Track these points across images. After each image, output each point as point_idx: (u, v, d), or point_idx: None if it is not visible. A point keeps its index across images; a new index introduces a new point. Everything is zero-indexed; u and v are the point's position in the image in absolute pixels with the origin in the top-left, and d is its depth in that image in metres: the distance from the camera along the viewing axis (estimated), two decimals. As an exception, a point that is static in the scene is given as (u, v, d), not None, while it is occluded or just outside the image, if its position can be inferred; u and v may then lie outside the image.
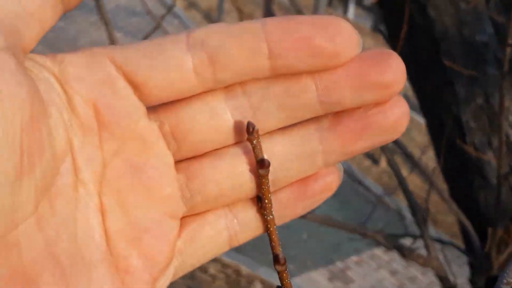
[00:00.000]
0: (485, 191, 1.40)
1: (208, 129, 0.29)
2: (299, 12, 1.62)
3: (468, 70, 1.30)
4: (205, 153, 0.29)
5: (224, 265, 3.57)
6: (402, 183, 1.45)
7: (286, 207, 0.30)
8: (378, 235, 1.38)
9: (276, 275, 0.31)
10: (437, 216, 3.95)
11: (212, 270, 3.52)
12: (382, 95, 0.27)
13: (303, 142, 0.29)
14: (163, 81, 0.27)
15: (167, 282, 0.29)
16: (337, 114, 0.29)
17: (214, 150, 0.29)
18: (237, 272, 3.57)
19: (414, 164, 1.49)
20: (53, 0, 0.26)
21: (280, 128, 0.29)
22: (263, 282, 3.53)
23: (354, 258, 3.94)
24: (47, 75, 0.26)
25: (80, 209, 0.27)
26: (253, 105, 0.28)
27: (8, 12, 0.25)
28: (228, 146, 0.29)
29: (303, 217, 1.11)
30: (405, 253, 1.37)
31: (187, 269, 0.30)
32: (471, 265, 1.44)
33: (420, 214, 1.43)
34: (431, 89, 1.44)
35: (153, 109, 0.28)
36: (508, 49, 1.09)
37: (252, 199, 0.30)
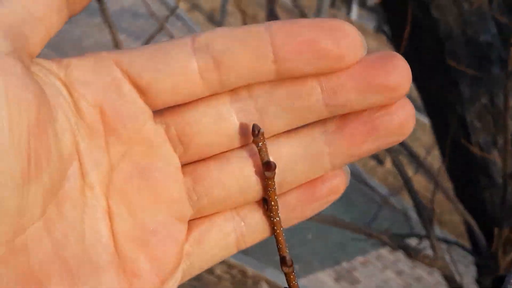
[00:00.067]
0: (490, 191, 1.40)
1: (214, 132, 0.29)
2: (302, 13, 1.62)
3: (472, 70, 1.30)
4: (212, 156, 0.29)
5: (230, 266, 3.57)
6: (407, 183, 1.45)
7: (293, 210, 0.30)
8: (384, 236, 1.38)
9: (282, 276, 0.31)
10: (443, 216, 3.94)
11: (218, 271, 3.52)
12: (388, 98, 0.28)
13: (310, 144, 0.29)
14: (168, 84, 0.27)
15: (176, 285, 0.29)
16: (343, 117, 0.29)
17: (221, 153, 0.29)
18: (243, 273, 3.57)
19: (419, 164, 1.49)
20: (59, 5, 0.26)
21: (286, 131, 0.29)
22: (269, 283, 3.53)
23: (360, 258, 3.94)
24: (53, 79, 0.27)
25: (88, 212, 0.27)
26: (259, 108, 0.29)
27: (15, 18, 0.25)
28: (234, 149, 0.29)
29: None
30: (411, 253, 1.37)
31: (195, 271, 0.30)
32: (478, 265, 1.44)
33: (426, 214, 1.43)
34: (435, 89, 1.44)
35: (159, 112, 0.29)
36: (512, 49, 1.09)
37: (259, 201, 0.30)
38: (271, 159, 0.29)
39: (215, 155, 0.29)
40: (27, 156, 0.24)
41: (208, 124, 0.28)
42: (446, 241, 1.62)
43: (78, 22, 5.42)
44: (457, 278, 1.42)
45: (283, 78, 0.28)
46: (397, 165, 1.46)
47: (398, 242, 1.39)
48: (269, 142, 0.29)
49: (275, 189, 0.29)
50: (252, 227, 0.30)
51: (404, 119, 0.28)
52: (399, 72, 0.27)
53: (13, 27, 0.25)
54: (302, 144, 0.29)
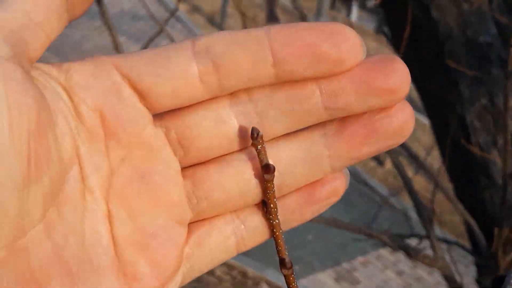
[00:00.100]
0: (490, 191, 1.40)
1: (214, 135, 0.29)
2: (302, 14, 1.62)
3: (472, 71, 1.30)
4: (211, 159, 0.29)
5: (231, 267, 3.57)
6: (407, 183, 1.45)
7: (293, 213, 0.30)
8: (384, 236, 1.38)
9: (282, 277, 0.31)
10: (443, 216, 3.94)
11: (218, 272, 3.52)
12: (387, 100, 0.28)
13: (309, 147, 0.29)
14: (168, 88, 0.27)
15: (176, 288, 0.29)
16: (343, 120, 0.29)
17: (220, 156, 0.29)
18: (243, 274, 3.57)
19: (419, 165, 1.49)
20: (59, 10, 0.26)
21: (286, 134, 0.29)
22: (269, 284, 3.52)
23: (360, 259, 3.94)
24: (53, 83, 0.27)
25: (88, 216, 0.27)
26: (258, 111, 0.29)
27: (15, 23, 0.25)
28: (234, 152, 0.29)
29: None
30: (411, 254, 1.37)
31: (195, 274, 0.30)
32: (478, 265, 1.44)
33: (426, 214, 1.43)
34: (435, 90, 1.45)
35: (159, 116, 0.29)
36: (512, 49, 1.09)
37: (258, 204, 0.30)
38: (271, 162, 0.29)
39: (215, 158, 0.29)
40: (27, 159, 0.24)
41: (208, 128, 0.29)
42: (446, 241, 1.62)
43: (78, 25, 5.43)
44: (457, 278, 1.42)
45: (282, 81, 0.28)
46: (397, 165, 1.46)
47: (398, 242, 1.39)
48: (268, 145, 0.29)
49: (274, 191, 0.29)
50: (251, 229, 0.30)
51: (403, 122, 0.28)
52: (398, 75, 0.27)
53: (14, 32, 0.25)
54: (301, 147, 0.29)
